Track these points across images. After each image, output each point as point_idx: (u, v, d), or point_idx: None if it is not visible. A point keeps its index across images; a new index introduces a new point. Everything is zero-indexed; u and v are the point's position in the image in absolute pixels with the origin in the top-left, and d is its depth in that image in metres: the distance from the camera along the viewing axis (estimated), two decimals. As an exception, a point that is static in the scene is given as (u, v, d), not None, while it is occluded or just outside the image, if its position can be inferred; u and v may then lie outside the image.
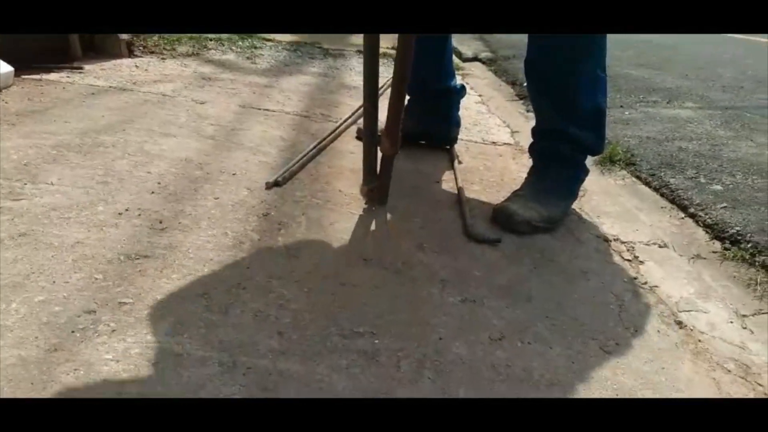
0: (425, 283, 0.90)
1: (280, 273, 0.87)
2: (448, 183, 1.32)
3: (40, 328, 0.68)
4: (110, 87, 1.67)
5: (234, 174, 1.19)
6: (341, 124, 1.59)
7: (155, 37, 2.31)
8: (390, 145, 1.10)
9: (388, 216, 1.12)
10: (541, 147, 1.23)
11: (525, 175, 1.40)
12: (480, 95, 2.29)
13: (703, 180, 1.53)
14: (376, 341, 0.75)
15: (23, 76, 1.61)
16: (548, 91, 1.18)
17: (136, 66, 1.97)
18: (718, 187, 1.48)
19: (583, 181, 1.25)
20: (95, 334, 0.68)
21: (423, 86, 1.46)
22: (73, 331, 0.68)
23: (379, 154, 1.13)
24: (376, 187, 1.13)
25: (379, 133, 1.25)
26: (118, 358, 0.66)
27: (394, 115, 1.08)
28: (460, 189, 1.27)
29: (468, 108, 2.07)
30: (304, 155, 1.31)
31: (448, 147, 1.55)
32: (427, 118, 1.49)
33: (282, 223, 1.01)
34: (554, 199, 1.16)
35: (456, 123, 1.57)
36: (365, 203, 1.14)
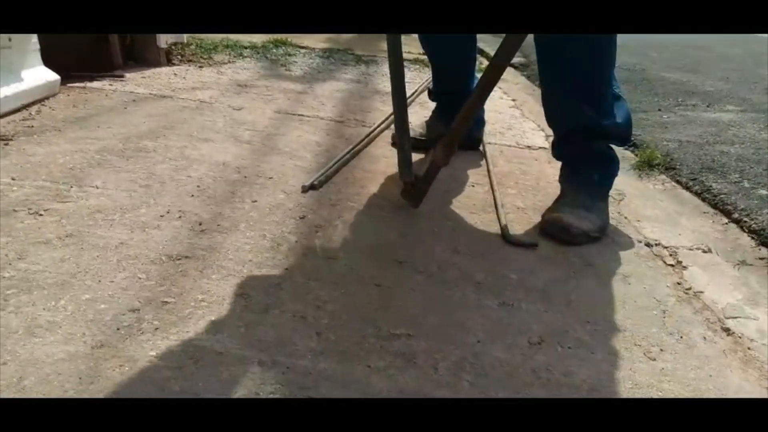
0: (461, 286, 0.90)
1: (318, 274, 0.87)
2: (482, 186, 1.31)
3: (87, 325, 0.70)
4: (150, 94, 1.72)
5: (271, 178, 1.20)
6: (375, 129, 1.59)
7: (192, 46, 2.37)
8: (444, 156, 1.10)
9: (423, 219, 1.11)
10: (577, 148, 1.20)
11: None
12: (513, 99, 2.28)
13: (747, 185, 1.48)
14: (413, 343, 0.75)
15: (68, 84, 1.67)
16: (580, 85, 1.14)
17: (175, 74, 2.02)
18: (764, 192, 1.43)
19: (616, 175, 1.23)
20: (139, 332, 0.70)
21: (452, 89, 1.47)
22: (118, 329, 0.70)
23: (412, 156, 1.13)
24: (415, 187, 1.13)
25: (413, 134, 1.24)
26: (161, 355, 0.67)
27: (459, 129, 1.08)
28: (495, 192, 1.26)
29: (502, 112, 2.05)
30: (339, 159, 1.32)
31: (481, 149, 1.54)
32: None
33: (318, 225, 1.02)
34: (601, 204, 1.15)
35: (482, 123, 1.60)
36: (404, 201, 1.14)
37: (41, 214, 0.94)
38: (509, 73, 2.99)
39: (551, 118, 1.23)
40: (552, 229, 1.10)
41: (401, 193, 1.15)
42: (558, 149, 1.25)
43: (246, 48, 2.59)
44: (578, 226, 1.08)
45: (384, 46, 3.67)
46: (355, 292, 0.84)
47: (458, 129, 1.08)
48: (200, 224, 0.97)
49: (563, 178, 1.23)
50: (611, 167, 1.21)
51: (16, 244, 0.84)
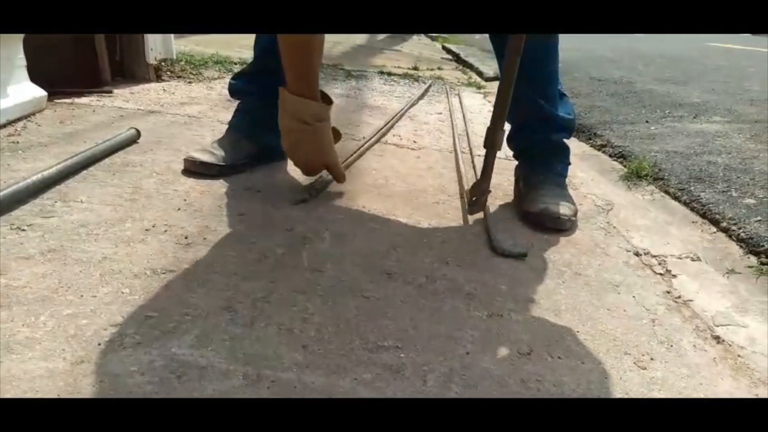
0: (450, 297, 0.89)
1: (304, 287, 0.86)
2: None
3: (67, 341, 0.68)
4: (138, 109, 1.71)
5: (259, 191, 1.20)
6: (364, 143, 1.59)
7: (182, 62, 2.37)
8: (501, 141, 1.13)
9: (412, 231, 1.11)
10: (536, 140, 1.30)
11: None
12: (502, 113, 2.28)
13: (734, 194, 1.49)
14: (402, 355, 0.74)
15: (56, 100, 1.66)
16: (534, 81, 1.23)
17: (164, 89, 2.02)
18: (751, 201, 1.44)
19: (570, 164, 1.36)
20: (121, 347, 0.69)
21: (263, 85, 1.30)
22: (99, 344, 0.69)
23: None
24: (480, 191, 1.14)
25: (205, 157, 1.24)
26: (143, 370, 0.65)
27: (498, 118, 1.11)
28: (484, 203, 1.25)
29: (490, 125, 2.06)
30: (328, 173, 1.31)
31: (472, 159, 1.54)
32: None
33: (306, 238, 1.01)
34: (568, 191, 1.28)
35: None
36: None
37: (24, 230, 0.92)
38: (494, 86, 3.01)
39: (510, 113, 1.30)
40: (543, 220, 1.16)
41: (471, 211, 1.17)
42: (517, 143, 1.36)
43: (236, 64, 2.60)
44: (565, 214, 1.17)
45: (373, 62, 3.70)
46: (343, 305, 0.83)
47: (497, 120, 1.10)
48: (186, 237, 0.96)
49: (529, 171, 1.31)
50: (567, 157, 1.34)
51: (-3, 260, 0.83)
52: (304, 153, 1.17)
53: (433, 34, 5.80)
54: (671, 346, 0.83)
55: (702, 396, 0.73)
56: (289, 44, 1.05)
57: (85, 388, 0.62)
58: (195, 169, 1.24)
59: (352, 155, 1.47)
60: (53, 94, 1.65)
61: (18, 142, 1.31)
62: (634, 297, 0.95)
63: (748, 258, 1.16)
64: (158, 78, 2.16)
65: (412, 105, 2.25)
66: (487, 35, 1.32)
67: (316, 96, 1.11)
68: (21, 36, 1.49)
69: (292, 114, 1.11)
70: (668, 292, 0.98)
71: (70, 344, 0.68)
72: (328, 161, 1.19)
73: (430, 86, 2.71)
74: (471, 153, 1.66)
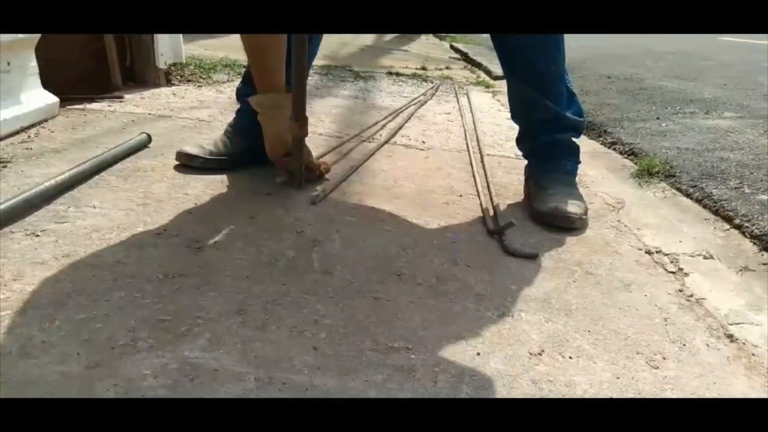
0: (460, 297, 0.89)
1: (315, 289, 0.86)
2: (481, 197, 1.31)
3: (81, 345, 0.69)
4: (149, 114, 1.73)
5: (269, 194, 1.20)
6: (374, 144, 1.60)
7: (191, 66, 2.39)
8: (301, 127, 1.16)
9: (421, 232, 1.11)
10: (545, 140, 1.30)
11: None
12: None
13: (747, 190, 1.48)
14: (412, 356, 0.74)
15: (68, 107, 1.68)
16: (539, 81, 1.24)
17: (174, 94, 2.03)
18: (765, 197, 1.43)
19: (579, 162, 1.35)
20: (134, 351, 0.69)
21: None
22: (113, 348, 0.69)
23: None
24: (292, 170, 1.21)
25: (203, 153, 1.30)
26: (156, 373, 0.66)
27: (299, 98, 1.14)
28: (494, 203, 1.25)
29: (500, 124, 2.06)
30: (337, 175, 1.32)
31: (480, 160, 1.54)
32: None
33: (316, 240, 1.02)
34: (578, 190, 1.28)
35: None
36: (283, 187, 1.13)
37: (38, 235, 0.94)
38: (503, 85, 3.00)
39: (517, 113, 1.36)
40: (553, 219, 1.16)
41: (290, 184, 1.23)
42: (526, 143, 1.37)
43: (244, 67, 2.61)
44: (575, 212, 1.16)
45: (382, 61, 3.69)
46: (353, 306, 0.83)
47: (299, 98, 1.13)
48: (197, 241, 0.97)
49: (538, 171, 1.31)
50: (577, 155, 1.33)
51: (12, 265, 0.84)
52: (264, 137, 1.23)
53: (441, 34, 5.80)
54: (684, 345, 0.82)
55: (716, 395, 0.72)
56: (248, 46, 1.16)
57: (100, 392, 0.62)
58: (180, 161, 1.30)
59: (361, 157, 1.47)
60: (65, 100, 1.67)
61: (31, 149, 1.33)
62: (645, 296, 0.94)
63: (762, 255, 1.15)
64: (168, 82, 2.18)
65: (421, 105, 2.25)
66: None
67: (275, 88, 1.18)
68: (33, 44, 1.51)
69: (258, 106, 1.21)
70: (680, 291, 0.97)
71: (84, 348, 0.69)
72: (280, 150, 1.23)
73: (438, 86, 2.70)
74: (481, 152, 1.66)
